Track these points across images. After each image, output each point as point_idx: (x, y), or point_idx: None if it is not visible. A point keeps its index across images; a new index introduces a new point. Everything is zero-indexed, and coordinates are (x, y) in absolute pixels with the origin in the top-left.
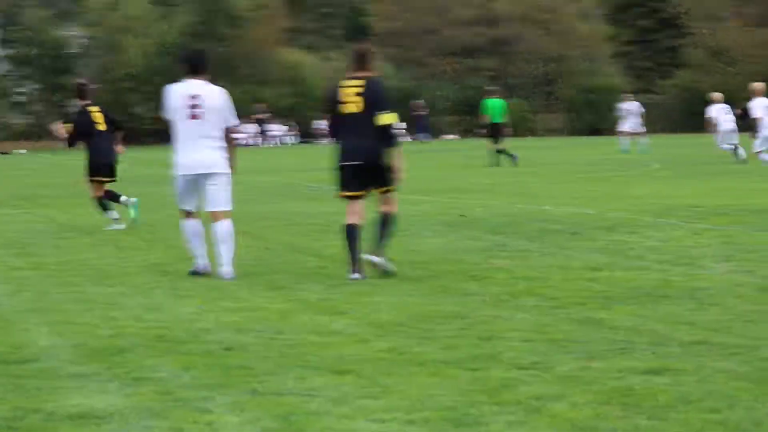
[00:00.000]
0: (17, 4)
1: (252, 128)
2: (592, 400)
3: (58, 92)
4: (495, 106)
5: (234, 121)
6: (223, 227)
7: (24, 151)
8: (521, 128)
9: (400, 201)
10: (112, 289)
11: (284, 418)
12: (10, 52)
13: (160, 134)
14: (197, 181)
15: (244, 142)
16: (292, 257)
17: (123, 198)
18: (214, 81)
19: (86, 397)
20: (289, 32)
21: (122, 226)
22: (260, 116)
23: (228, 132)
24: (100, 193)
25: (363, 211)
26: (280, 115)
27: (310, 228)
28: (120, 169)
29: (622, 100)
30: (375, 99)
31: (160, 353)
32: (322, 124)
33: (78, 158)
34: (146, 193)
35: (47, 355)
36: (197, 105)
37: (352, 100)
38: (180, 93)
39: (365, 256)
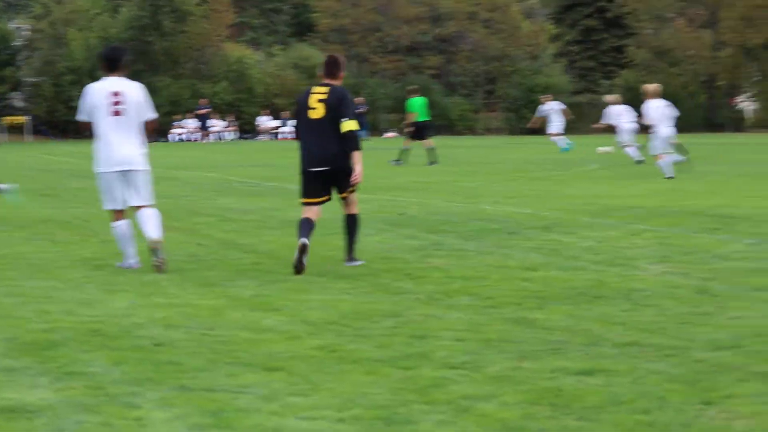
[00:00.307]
0: None
1: (193, 123)
2: (522, 401)
3: (0, 84)
4: (419, 104)
5: (152, 114)
6: (149, 210)
7: None
8: (461, 126)
9: None
10: (46, 283)
11: (214, 414)
12: None
13: None
14: (121, 178)
15: (185, 137)
16: (226, 253)
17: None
18: (149, 75)
19: (17, 392)
20: (233, 27)
21: None
22: (201, 111)
23: (146, 126)
24: None
25: (319, 212)
26: (220, 110)
27: (245, 224)
28: (62, 162)
29: (542, 102)
30: (338, 106)
31: (92, 348)
32: (263, 120)
33: None
34: (85, 187)
35: None
36: (119, 101)
37: (316, 106)
38: (101, 90)
39: (347, 263)
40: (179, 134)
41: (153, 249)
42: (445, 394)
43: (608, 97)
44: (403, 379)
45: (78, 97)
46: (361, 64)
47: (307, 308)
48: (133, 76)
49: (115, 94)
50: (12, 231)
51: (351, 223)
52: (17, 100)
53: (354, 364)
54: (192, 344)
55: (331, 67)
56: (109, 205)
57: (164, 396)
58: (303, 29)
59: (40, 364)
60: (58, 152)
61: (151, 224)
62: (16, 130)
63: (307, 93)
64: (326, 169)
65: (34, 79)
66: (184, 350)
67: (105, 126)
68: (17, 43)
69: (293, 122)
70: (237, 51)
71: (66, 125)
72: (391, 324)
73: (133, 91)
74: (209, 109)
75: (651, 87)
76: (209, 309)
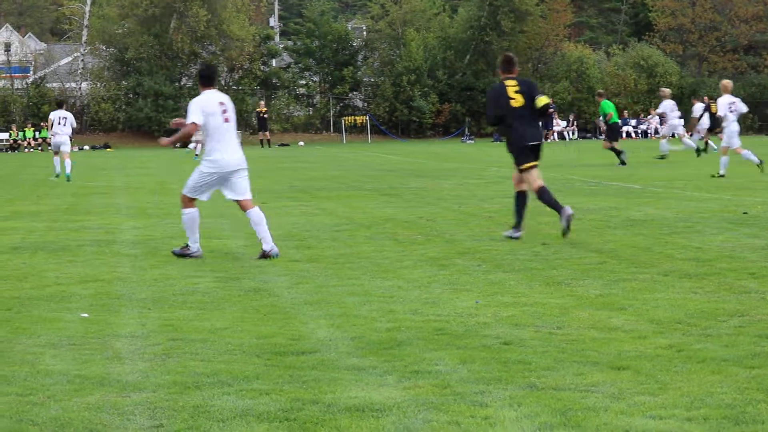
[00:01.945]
0: None
1: None
2: None
3: (339, 84)
4: (609, 107)
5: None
6: (257, 212)
7: (303, 143)
8: None
9: (686, 199)
10: (390, 282)
11: (562, 413)
12: (292, 44)
13: (440, 128)
14: (227, 176)
15: None
16: (571, 252)
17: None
18: (488, 75)
19: (364, 390)
20: (572, 27)
21: None
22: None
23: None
24: None
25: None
26: (561, 110)
27: (588, 223)
28: (403, 161)
29: None
30: (530, 91)
31: (438, 347)
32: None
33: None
34: (426, 187)
35: (325, 347)
36: (225, 110)
37: (515, 96)
38: (214, 100)
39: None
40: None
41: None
42: None
43: (663, 90)
44: (750, 379)
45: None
46: (699, 63)
47: (653, 307)
48: (473, 76)
49: (222, 103)
50: (355, 230)
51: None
52: (357, 99)
53: (701, 364)
54: (539, 343)
55: (511, 63)
56: (197, 195)
57: (513, 395)
58: (641, 28)
59: (387, 363)
60: (399, 152)
61: (263, 233)
62: (356, 129)
63: (504, 87)
64: (536, 144)
65: (373, 79)
66: (531, 349)
67: (221, 131)
68: (356, 43)
69: (493, 112)
70: (576, 50)
71: (406, 125)
72: (737, 323)
73: (229, 102)
74: (553, 109)
75: (725, 82)
76: (556, 308)
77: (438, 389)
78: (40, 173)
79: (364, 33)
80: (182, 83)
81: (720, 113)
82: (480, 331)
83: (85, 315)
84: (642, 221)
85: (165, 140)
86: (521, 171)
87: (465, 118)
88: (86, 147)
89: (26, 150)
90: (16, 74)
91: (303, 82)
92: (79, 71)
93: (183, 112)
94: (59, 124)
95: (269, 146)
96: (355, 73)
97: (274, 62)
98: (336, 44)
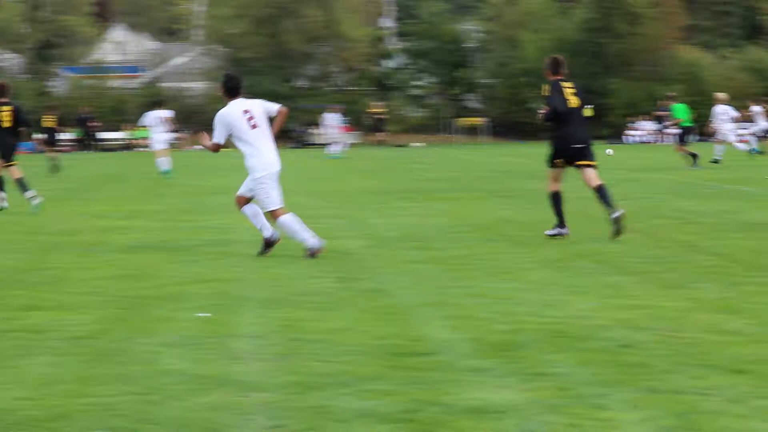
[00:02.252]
0: None
1: (650, 125)
2: None
3: (454, 86)
4: (681, 110)
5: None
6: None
7: (420, 144)
8: None
9: None
10: (507, 284)
11: (681, 416)
12: (407, 45)
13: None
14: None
15: (643, 139)
16: (688, 256)
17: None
18: (602, 77)
19: (484, 391)
20: (685, 30)
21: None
22: (660, 113)
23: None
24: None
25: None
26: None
27: (704, 227)
28: (519, 163)
29: None
30: (583, 97)
31: (558, 349)
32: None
33: None
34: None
35: (445, 348)
36: (252, 117)
37: (571, 97)
38: (237, 110)
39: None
40: (636, 136)
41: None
42: None
43: (718, 95)
44: None
45: (532, 98)
46: None
47: None
48: (587, 78)
49: (246, 111)
50: (471, 232)
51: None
52: (472, 101)
53: None
54: (658, 346)
55: (559, 65)
56: (278, 204)
57: (632, 397)
58: (754, 32)
59: (506, 365)
60: (514, 153)
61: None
62: (471, 131)
63: (561, 87)
64: (583, 146)
65: (488, 81)
66: (650, 352)
67: (251, 137)
68: (470, 44)
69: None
70: (689, 53)
71: (522, 126)
72: None
73: (256, 107)
74: (667, 112)
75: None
76: (673, 311)
77: (557, 391)
78: (157, 173)
79: (479, 34)
80: (297, 84)
81: None
82: (598, 333)
83: (205, 315)
84: (758, 224)
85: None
86: (580, 168)
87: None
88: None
89: (140, 150)
90: (130, 73)
91: (418, 83)
92: (194, 71)
93: (295, 113)
94: (159, 123)
95: (384, 147)
96: (470, 75)
97: (389, 63)
98: (451, 45)
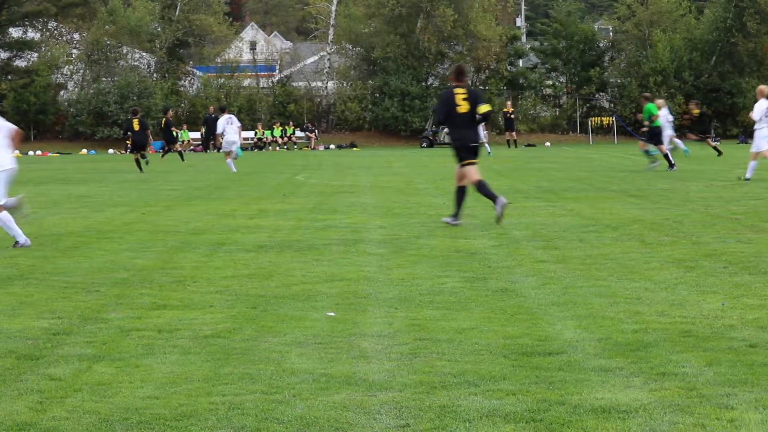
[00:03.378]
0: None
1: None
2: None
3: (585, 85)
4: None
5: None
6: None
7: (549, 143)
8: None
9: None
10: (636, 283)
11: None
12: (538, 44)
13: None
14: None
15: None
16: None
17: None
18: (735, 77)
19: (610, 391)
20: None
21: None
22: None
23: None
24: None
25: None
26: None
27: None
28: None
29: None
30: (475, 100)
31: (684, 349)
32: None
33: None
34: (673, 188)
35: (572, 348)
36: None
37: (461, 103)
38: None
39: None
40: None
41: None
42: None
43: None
44: None
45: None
46: None
47: None
48: (719, 77)
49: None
50: (601, 231)
51: (465, 192)
52: (604, 100)
53: None
54: None
55: (461, 74)
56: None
57: (759, 397)
58: None
59: (633, 365)
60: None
61: None
62: (602, 130)
63: (452, 94)
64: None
65: (619, 80)
66: None
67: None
68: (602, 44)
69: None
70: None
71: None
72: None
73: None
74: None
75: (761, 88)
76: None
77: (684, 391)
78: (287, 171)
79: (611, 34)
80: (429, 83)
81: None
82: (726, 333)
83: (332, 314)
84: None
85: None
86: (462, 167)
87: (711, 120)
88: (332, 146)
89: (271, 148)
90: (262, 73)
91: (549, 82)
92: (326, 70)
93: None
94: (228, 125)
95: (515, 146)
96: (602, 74)
97: (520, 62)
98: (582, 45)
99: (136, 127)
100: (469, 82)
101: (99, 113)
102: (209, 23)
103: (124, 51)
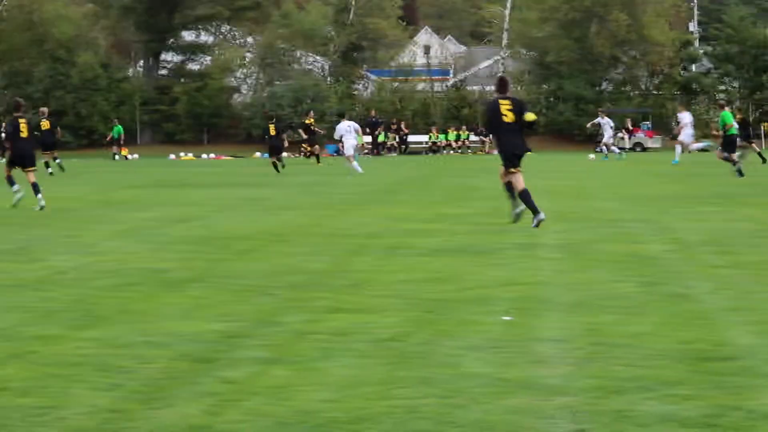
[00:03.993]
0: (720, 1)
1: None
2: None
3: (759, 91)
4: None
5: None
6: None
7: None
8: None
9: None
10: None
11: None
12: (711, 49)
13: None
14: None
15: None
16: None
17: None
18: None
19: None
20: None
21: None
22: None
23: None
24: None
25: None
26: None
27: None
28: None
29: None
30: (520, 109)
31: None
32: None
33: None
34: None
35: (748, 353)
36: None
37: (507, 113)
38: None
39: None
40: None
41: None
42: None
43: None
44: None
45: None
46: None
47: None
48: None
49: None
50: None
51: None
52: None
53: None
54: None
55: (505, 85)
56: None
57: None
58: None
59: None
60: None
61: None
62: None
63: (498, 104)
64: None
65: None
66: None
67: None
68: None
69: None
70: None
71: None
72: None
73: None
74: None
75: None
76: None
77: None
78: (462, 176)
79: None
80: (602, 87)
81: None
82: None
83: (508, 318)
84: None
85: None
86: (508, 173)
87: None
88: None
89: (446, 152)
90: (436, 77)
91: (722, 87)
92: (500, 74)
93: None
94: (347, 131)
95: (688, 152)
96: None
97: (693, 67)
98: (755, 50)
99: (272, 131)
100: (642, 86)
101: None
102: (383, 27)
103: (298, 54)
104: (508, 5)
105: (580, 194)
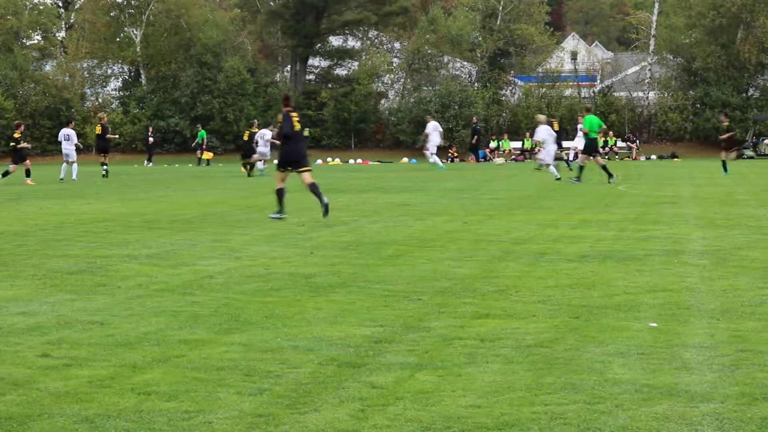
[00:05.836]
0: None
1: None
2: None
3: None
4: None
5: None
6: None
7: None
8: None
9: None
10: None
11: None
12: None
13: None
14: None
15: None
16: None
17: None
18: None
19: None
20: None
21: None
22: None
23: None
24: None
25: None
26: None
27: None
28: None
29: None
30: (303, 122)
31: None
32: None
33: None
34: None
35: None
36: None
37: (297, 124)
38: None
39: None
40: None
41: None
42: None
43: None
44: None
45: None
46: None
47: None
48: None
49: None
50: None
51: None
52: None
53: None
54: None
55: (288, 100)
56: None
57: None
58: None
59: None
60: None
61: None
62: None
63: (290, 116)
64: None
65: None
66: None
67: None
68: None
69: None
70: None
71: None
72: None
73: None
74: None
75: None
76: None
77: None
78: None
79: None
80: (749, 94)
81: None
82: None
83: (654, 324)
84: None
85: None
86: (282, 172)
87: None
88: (653, 156)
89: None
90: (583, 83)
91: None
92: (647, 80)
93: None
94: (434, 131)
95: None
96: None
97: None
98: None
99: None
100: None
101: (420, 122)
102: (530, 33)
103: (445, 60)
104: (655, 11)
105: (727, 201)
